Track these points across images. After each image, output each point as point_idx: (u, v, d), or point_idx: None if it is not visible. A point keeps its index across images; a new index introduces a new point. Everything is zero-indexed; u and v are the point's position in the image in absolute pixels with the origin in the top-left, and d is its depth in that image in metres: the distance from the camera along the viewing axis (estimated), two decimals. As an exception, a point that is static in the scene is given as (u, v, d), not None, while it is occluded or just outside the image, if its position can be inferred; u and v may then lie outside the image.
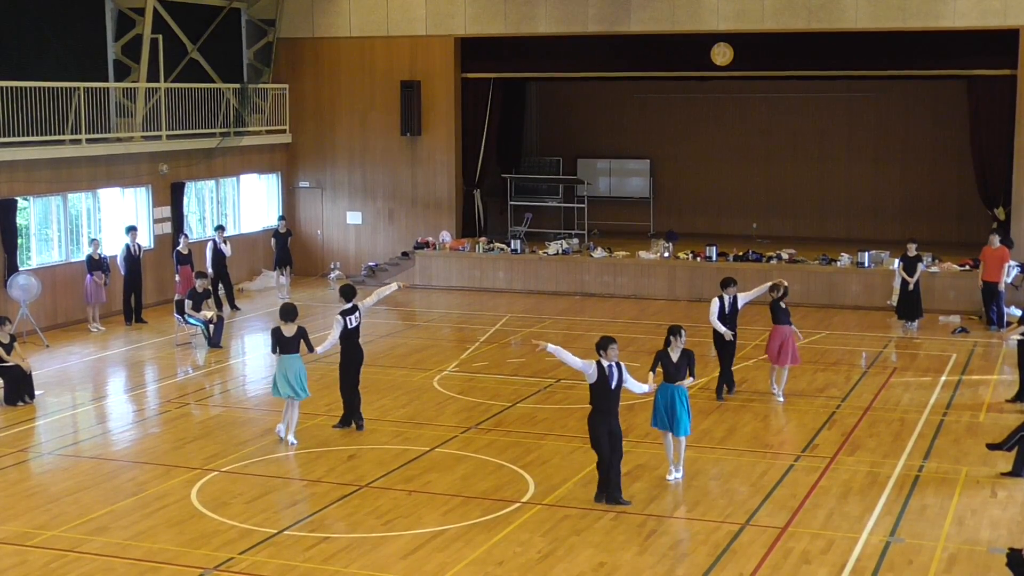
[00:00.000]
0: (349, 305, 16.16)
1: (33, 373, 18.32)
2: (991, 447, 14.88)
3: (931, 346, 22.04)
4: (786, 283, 17.93)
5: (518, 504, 13.33)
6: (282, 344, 15.43)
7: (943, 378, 19.39)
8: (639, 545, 12.16)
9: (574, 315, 25.37)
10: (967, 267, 25.36)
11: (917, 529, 12.58)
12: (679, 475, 14.07)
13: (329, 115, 30.59)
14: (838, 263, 26.40)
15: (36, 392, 18.19)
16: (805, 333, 22.98)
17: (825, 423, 16.70)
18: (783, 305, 17.64)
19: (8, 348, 18.05)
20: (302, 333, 15.50)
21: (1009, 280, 23.58)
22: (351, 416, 16.47)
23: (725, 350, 17.89)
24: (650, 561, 11.76)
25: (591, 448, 13.32)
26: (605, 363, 13.05)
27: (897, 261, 24.08)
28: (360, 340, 16.40)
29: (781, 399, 17.79)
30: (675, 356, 14.02)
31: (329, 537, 12.40)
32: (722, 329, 17.54)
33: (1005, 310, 23.36)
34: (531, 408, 17.39)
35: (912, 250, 23.40)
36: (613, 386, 13.04)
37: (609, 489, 13.20)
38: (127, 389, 19.80)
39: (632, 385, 13.31)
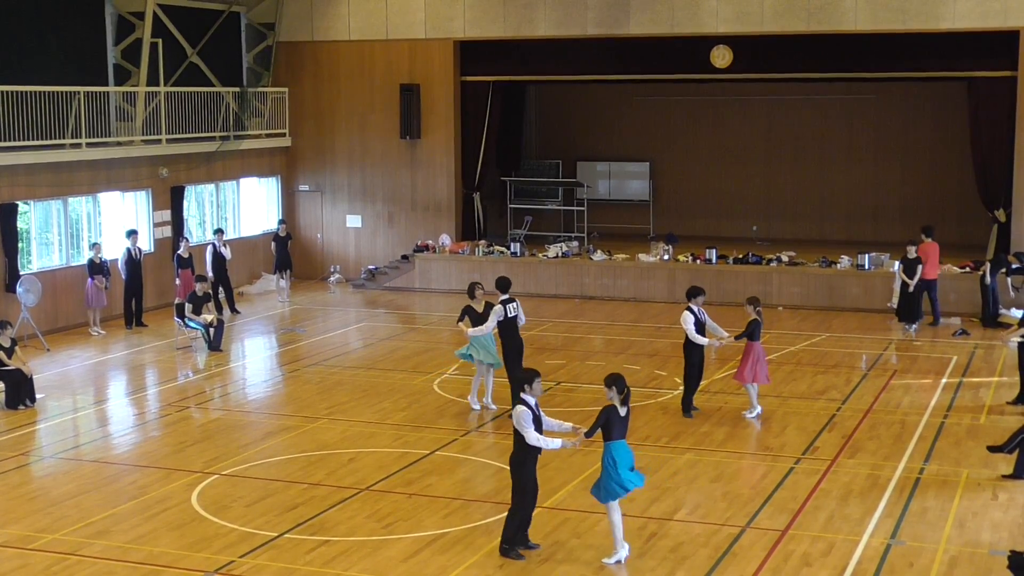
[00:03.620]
0: (506, 296, 17.19)
1: (34, 377, 18.33)
2: (992, 449, 14.88)
3: (931, 348, 22.04)
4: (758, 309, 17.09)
5: (517, 494, 13.27)
6: (473, 318, 17.20)
7: (944, 380, 19.39)
8: (639, 548, 12.15)
9: (574, 318, 25.37)
10: (967, 269, 25.36)
11: (918, 532, 12.58)
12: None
13: (329, 118, 30.61)
14: (838, 265, 26.40)
15: (37, 396, 18.20)
16: (805, 336, 23.03)
17: (825, 425, 16.70)
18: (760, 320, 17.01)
19: (9, 352, 18.06)
20: (489, 309, 17.11)
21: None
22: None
23: (696, 366, 17.04)
24: (651, 564, 11.76)
25: (515, 493, 11.83)
26: (532, 400, 11.70)
27: (897, 263, 24.07)
28: (515, 330, 17.24)
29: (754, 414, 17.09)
30: (623, 411, 11.82)
31: (329, 540, 12.41)
32: (703, 341, 16.68)
33: (936, 307, 23.75)
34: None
35: (912, 252, 23.40)
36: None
37: (523, 534, 12.00)
38: (128, 393, 19.81)
39: (539, 439, 11.52)
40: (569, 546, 12.13)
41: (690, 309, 16.78)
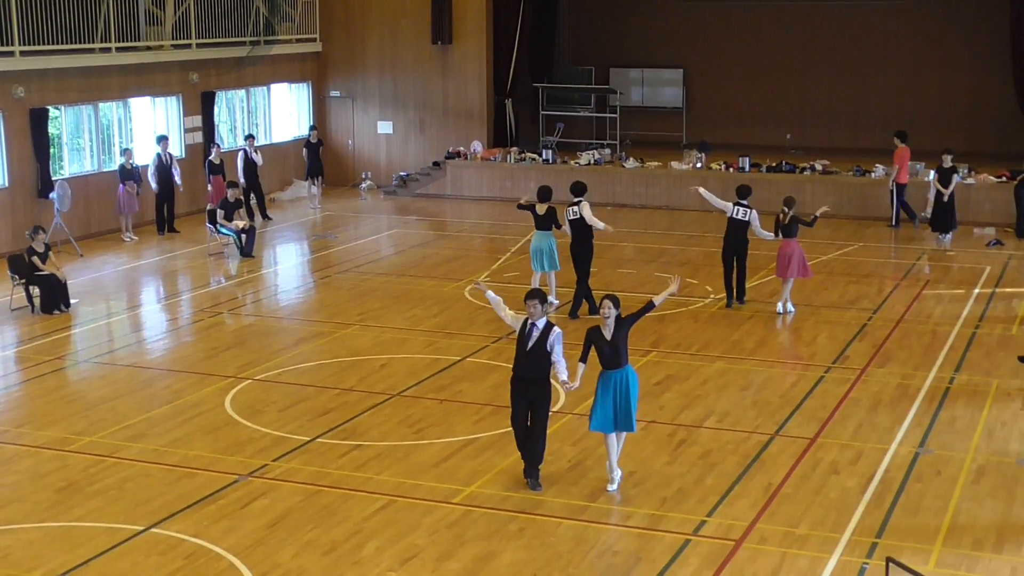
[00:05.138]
0: (576, 199, 17.55)
1: (68, 282, 18.50)
2: (1023, 360, 14.83)
3: (965, 258, 21.87)
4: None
5: (548, 413, 13.38)
6: (536, 221, 17.54)
7: (976, 291, 19.26)
8: (669, 455, 12.25)
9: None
10: (1003, 179, 25.04)
11: (946, 440, 12.61)
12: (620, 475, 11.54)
13: (359, 24, 30.31)
14: (872, 175, 26.12)
15: (71, 300, 18.39)
16: (837, 245, 22.89)
17: (856, 335, 16.67)
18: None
19: (43, 257, 18.23)
20: (552, 213, 17.44)
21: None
22: (576, 305, 17.61)
23: (743, 260, 18.11)
24: (680, 470, 11.85)
25: (546, 412, 11.51)
26: (528, 321, 11.32)
27: (932, 172, 23.80)
28: (587, 235, 17.51)
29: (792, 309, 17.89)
30: (608, 333, 11.24)
31: (361, 445, 12.56)
32: (768, 235, 17.71)
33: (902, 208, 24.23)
34: (561, 319, 17.39)
35: (947, 161, 23.13)
36: (528, 347, 11.23)
37: (527, 469, 11.48)
38: (160, 298, 19.98)
39: (563, 359, 11.22)
40: (599, 452, 12.21)
41: (745, 206, 17.79)
